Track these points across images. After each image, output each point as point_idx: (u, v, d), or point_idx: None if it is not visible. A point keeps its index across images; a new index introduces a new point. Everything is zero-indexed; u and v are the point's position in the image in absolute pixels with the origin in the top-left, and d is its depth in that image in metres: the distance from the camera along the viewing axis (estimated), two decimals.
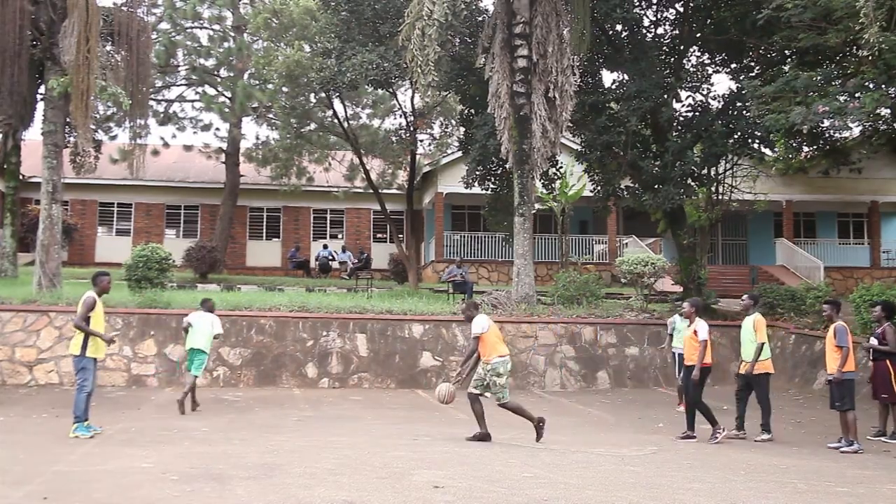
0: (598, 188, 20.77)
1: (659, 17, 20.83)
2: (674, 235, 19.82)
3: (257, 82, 27.00)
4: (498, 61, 17.73)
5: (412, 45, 16.37)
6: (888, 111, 15.75)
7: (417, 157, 26.84)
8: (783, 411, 13.41)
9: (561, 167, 22.07)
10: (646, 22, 20.54)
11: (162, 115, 28.99)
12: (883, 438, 10.54)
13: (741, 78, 19.69)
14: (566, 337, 16.28)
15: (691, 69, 20.73)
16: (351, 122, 26.88)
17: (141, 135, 19.74)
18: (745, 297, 11.23)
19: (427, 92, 23.26)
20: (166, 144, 30.38)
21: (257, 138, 30.30)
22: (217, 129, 30.19)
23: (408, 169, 26.22)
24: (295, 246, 29.70)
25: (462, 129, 24.34)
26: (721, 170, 20.01)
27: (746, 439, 10.38)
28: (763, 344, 10.49)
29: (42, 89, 18.36)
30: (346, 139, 25.99)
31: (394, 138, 25.99)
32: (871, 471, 8.65)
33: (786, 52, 18.34)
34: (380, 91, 25.38)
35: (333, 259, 28.38)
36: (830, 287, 19.54)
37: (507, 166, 18.71)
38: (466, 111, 22.75)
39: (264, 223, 31.33)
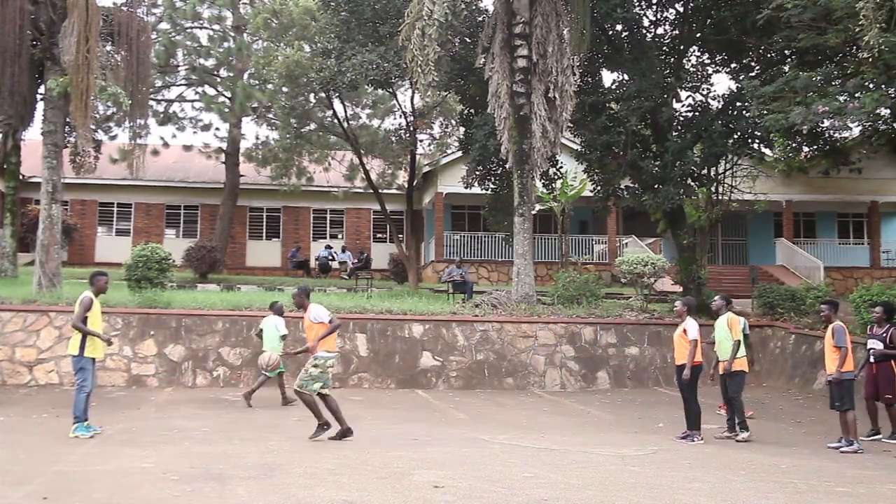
0: (598, 188, 20.79)
1: (659, 16, 20.83)
2: (674, 235, 19.82)
3: (257, 82, 26.99)
4: (498, 61, 17.73)
5: (412, 45, 16.37)
6: (888, 111, 15.76)
7: (417, 157, 26.84)
8: (783, 411, 13.43)
9: (561, 167, 22.08)
10: (646, 22, 20.55)
11: (162, 115, 29.00)
12: (882, 438, 10.52)
13: (741, 78, 19.70)
14: (566, 337, 16.29)
15: (691, 69, 20.73)
16: (351, 122, 26.88)
17: (141, 135, 19.75)
18: (716, 298, 11.24)
19: (427, 92, 23.25)
20: (166, 144, 30.38)
21: (257, 138, 30.34)
22: (217, 129, 30.24)
23: (408, 169, 26.22)
24: (296, 246, 29.69)
25: (462, 129, 24.34)
26: (721, 170, 20.02)
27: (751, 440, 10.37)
28: (738, 342, 10.50)
29: (42, 89, 18.34)
30: (346, 139, 25.99)
31: (394, 138, 25.99)
32: (871, 471, 8.66)
33: (786, 52, 18.35)
34: (380, 91, 25.38)
35: (333, 259, 28.39)
36: (830, 287, 19.55)
37: (507, 166, 18.71)
38: (466, 111, 22.75)
39: (264, 223, 31.33)
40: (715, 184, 20.07)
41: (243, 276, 25.66)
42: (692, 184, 19.17)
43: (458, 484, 7.07)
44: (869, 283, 16.95)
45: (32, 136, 21.95)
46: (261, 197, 30.78)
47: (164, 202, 30.56)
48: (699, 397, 10.53)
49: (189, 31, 28.71)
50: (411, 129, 25.35)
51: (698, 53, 21.19)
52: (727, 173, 20.22)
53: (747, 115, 17.99)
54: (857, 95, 14.43)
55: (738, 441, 10.25)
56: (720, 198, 20.28)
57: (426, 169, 28.31)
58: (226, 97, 28.43)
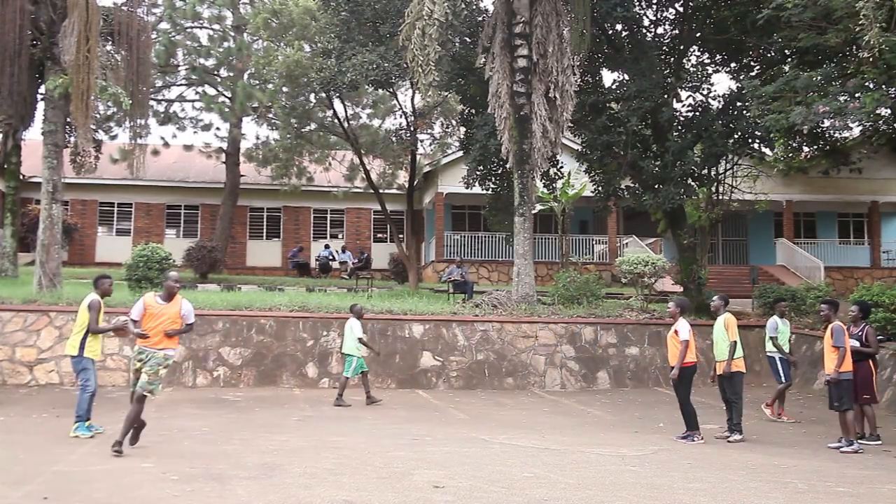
0: (599, 188, 20.79)
1: (659, 16, 20.84)
2: (674, 235, 19.82)
3: (257, 82, 27.00)
4: (498, 61, 17.73)
5: (413, 44, 16.37)
6: (888, 111, 15.75)
7: (418, 157, 26.84)
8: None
9: (562, 167, 22.07)
10: (646, 21, 20.55)
11: (162, 115, 29.00)
12: (862, 441, 10.47)
13: (741, 78, 19.69)
14: (566, 337, 16.29)
15: (691, 69, 20.73)
16: (351, 122, 26.88)
17: (141, 135, 19.73)
18: (714, 298, 11.22)
19: (427, 92, 23.27)
20: (166, 144, 30.39)
21: (257, 138, 30.36)
22: (217, 129, 30.29)
23: (408, 169, 26.22)
24: (298, 247, 29.68)
25: (462, 129, 24.34)
26: (721, 170, 20.01)
27: (745, 441, 10.37)
28: (735, 343, 10.50)
29: (42, 89, 18.34)
30: (347, 139, 25.99)
31: (394, 138, 25.98)
32: (871, 471, 8.65)
33: (786, 51, 18.33)
34: (380, 91, 25.39)
35: (334, 259, 28.39)
36: (831, 287, 19.53)
37: (508, 166, 18.71)
38: (467, 111, 22.75)
39: (264, 223, 31.34)
40: (715, 184, 20.06)
41: (243, 276, 25.67)
42: (692, 184, 19.17)
43: (458, 484, 7.07)
44: (869, 283, 16.94)
45: (33, 136, 21.98)
46: (261, 197, 30.78)
47: (164, 202, 30.57)
48: (700, 397, 10.52)
49: (189, 30, 28.72)
50: (412, 129, 25.35)
51: (698, 53, 21.19)
52: (727, 173, 20.21)
53: (747, 115, 17.98)
54: (857, 95, 14.42)
55: (729, 442, 10.24)
56: (720, 198, 20.28)
57: (426, 169, 28.31)
58: (226, 97, 28.44)
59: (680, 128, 19.43)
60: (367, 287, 22.08)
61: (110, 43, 18.33)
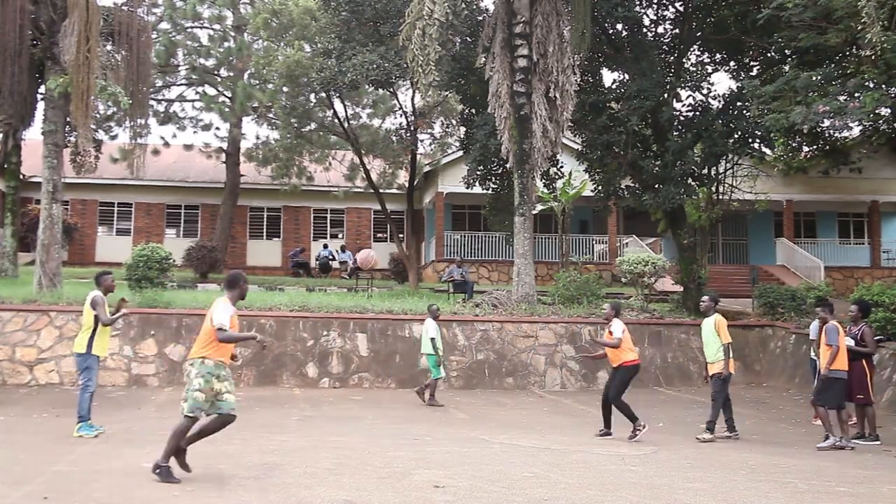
0: (599, 188, 20.78)
1: (659, 16, 20.84)
2: (674, 235, 19.82)
3: (257, 82, 27.00)
4: (498, 61, 17.72)
5: (413, 44, 16.37)
6: (888, 111, 15.76)
7: (418, 156, 26.83)
8: (783, 411, 13.44)
9: (562, 167, 22.07)
10: (646, 21, 20.56)
11: (162, 115, 28.99)
12: (861, 441, 10.46)
13: (741, 77, 19.69)
14: (566, 337, 16.29)
15: (691, 68, 20.73)
16: (351, 121, 26.87)
17: (141, 134, 19.72)
18: (705, 298, 11.17)
19: (428, 92, 23.26)
20: (166, 144, 30.38)
21: (257, 138, 30.34)
22: (217, 128, 30.29)
23: (408, 169, 26.21)
24: (299, 247, 29.67)
25: (463, 129, 24.33)
26: (721, 169, 20.01)
27: (740, 439, 10.32)
28: (729, 344, 10.50)
29: (42, 89, 18.34)
30: (347, 139, 25.98)
31: (394, 138, 25.97)
32: (871, 471, 8.65)
33: (786, 51, 18.34)
34: (380, 91, 25.36)
35: (334, 259, 28.38)
36: (831, 287, 19.53)
37: (508, 166, 18.71)
38: (467, 111, 22.75)
39: (264, 223, 31.33)
40: (715, 183, 20.07)
41: None
42: (692, 183, 19.17)
43: (458, 484, 7.07)
44: (869, 283, 16.95)
45: (33, 136, 21.95)
46: (261, 197, 30.78)
47: (164, 202, 30.56)
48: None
49: (189, 30, 28.71)
50: (412, 128, 25.34)
51: (699, 52, 21.20)
52: (727, 173, 20.22)
53: (748, 114, 17.99)
54: (857, 95, 14.42)
55: (697, 438, 10.21)
56: (720, 197, 20.28)
57: (427, 169, 28.31)
58: (226, 97, 28.43)
59: (680, 127, 19.43)
60: (366, 287, 22.06)
61: (110, 43, 18.32)
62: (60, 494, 6.43)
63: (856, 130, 20.91)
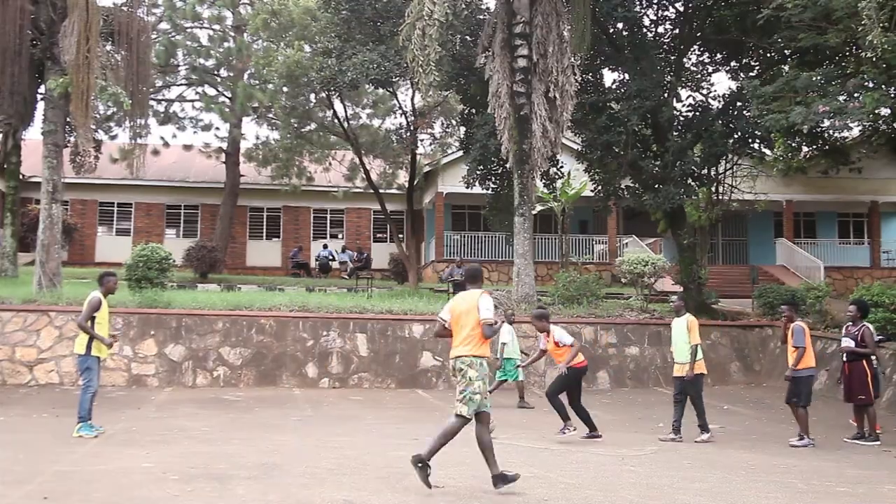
0: (599, 188, 20.78)
1: (659, 16, 20.84)
2: (674, 235, 19.83)
3: (257, 82, 26.98)
4: (498, 61, 17.72)
5: (413, 44, 16.38)
6: (888, 111, 15.76)
7: (418, 156, 26.83)
8: (782, 411, 13.38)
9: (562, 167, 22.06)
10: (646, 21, 20.57)
11: (162, 115, 28.97)
12: (860, 441, 10.44)
13: (741, 77, 19.69)
14: None
15: (691, 68, 20.74)
16: (351, 121, 26.87)
17: (141, 134, 19.74)
18: (675, 298, 11.12)
19: (428, 91, 23.24)
20: (166, 144, 30.37)
21: (257, 138, 30.28)
22: (217, 128, 30.20)
23: (408, 169, 26.21)
24: (298, 247, 29.67)
25: (462, 129, 24.33)
26: (721, 170, 20.01)
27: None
28: (697, 346, 10.44)
29: (42, 89, 18.34)
30: (347, 139, 25.98)
31: (394, 138, 25.97)
32: (871, 471, 8.65)
33: (786, 51, 18.35)
34: (380, 91, 25.38)
35: (334, 259, 28.38)
36: (830, 287, 19.53)
37: (508, 166, 18.71)
38: (467, 111, 22.75)
39: (264, 223, 31.33)
40: (715, 184, 20.08)
41: (243, 276, 25.65)
42: (692, 184, 19.18)
43: (458, 484, 7.07)
44: (869, 283, 16.94)
45: (33, 136, 21.97)
46: (261, 197, 30.77)
47: (164, 202, 30.56)
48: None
49: (189, 31, 28.68)
50: (412, 128, 25.34)
51: (699, 53, 21.20)
52: (727, 173, 20.22)
53: (747, 114, 17.99)
54: (857, 95, 14.43)
55: (696, 441, 10.16)
56: (720, 198, 20.29)
57: (427, 169, 28.30)
58: (226, 97, 28.42)
59: (680, 127, 19.44)
60: (366, 287, 22.06)
61: (110, 43, 18.31)
62: (60, 494, 6.43)
63: (856, 130, 20.91)
